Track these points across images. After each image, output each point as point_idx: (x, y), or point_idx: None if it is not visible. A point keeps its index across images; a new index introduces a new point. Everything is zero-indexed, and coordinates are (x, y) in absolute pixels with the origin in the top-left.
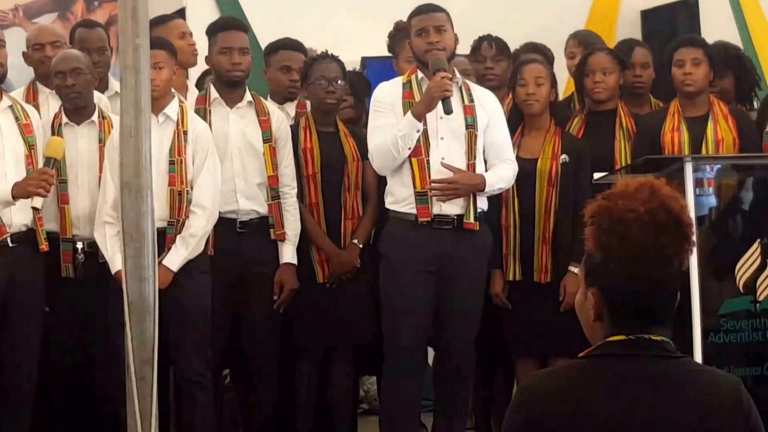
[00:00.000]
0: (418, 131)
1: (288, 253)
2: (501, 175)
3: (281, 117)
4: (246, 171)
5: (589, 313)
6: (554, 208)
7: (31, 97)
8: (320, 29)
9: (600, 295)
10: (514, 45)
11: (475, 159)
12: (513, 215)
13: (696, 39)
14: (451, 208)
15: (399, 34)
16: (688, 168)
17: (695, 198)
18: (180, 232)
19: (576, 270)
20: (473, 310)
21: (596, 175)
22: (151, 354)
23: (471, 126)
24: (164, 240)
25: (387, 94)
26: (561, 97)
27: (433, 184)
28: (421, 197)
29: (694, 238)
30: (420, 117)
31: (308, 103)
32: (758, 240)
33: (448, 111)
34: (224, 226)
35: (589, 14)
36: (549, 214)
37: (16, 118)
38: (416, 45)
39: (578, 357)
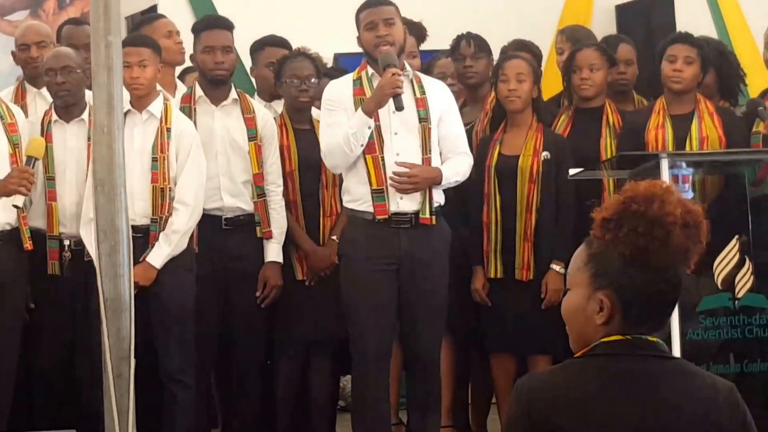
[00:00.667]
0: (369, 128)
1: (273, 251)
2: (457, 168)
3: (267, 115)
4: (231, 168)
5: (590, 315)
6: (536, 205)
7: (20, 96)
8: (292, 25)
9: (615, 297)
10: (489, 42)
11: (430, 153)
12: (494, 212)
13: (692, 37)
14: (409, 204)
15: None
16: (664, 165)
17: None
18: (163, 229)
19: (558, 268)
20: (438, 307)
21: (572, 171)
22: (128, 351)
23: (424, 119)
24: (148, 237)
25: (337, 92)
26: (551, 95)
27: (392, 178)
28: (378, 194)
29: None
30: (371, 114)
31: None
32: (736, 236)
33: (399, 108)
34: (209, 223)
35: (563, 9)
36: (530, 211)
37: (1, 117)
38: (365, 39)
39: (575, 357)
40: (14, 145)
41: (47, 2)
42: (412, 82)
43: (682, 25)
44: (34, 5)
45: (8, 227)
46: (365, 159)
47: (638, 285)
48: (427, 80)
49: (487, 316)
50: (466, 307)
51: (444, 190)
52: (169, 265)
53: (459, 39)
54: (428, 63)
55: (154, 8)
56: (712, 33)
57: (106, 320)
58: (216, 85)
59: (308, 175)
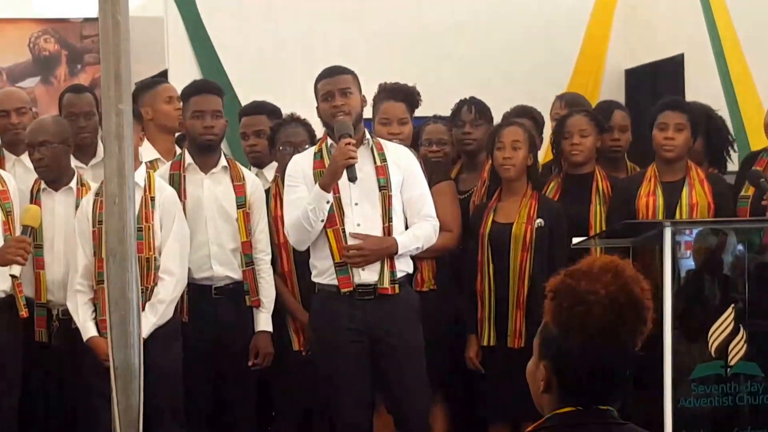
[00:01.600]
0: (328, 202)
1: (262, 321)
2: (416, 233)
3: (256, 182)
4: (220, 236)
5: (539, 383)
6: (528, 272)
7: None
8: (303, 90)
9: (551, 367)
10: (497, 106)
11: (391, 221)
12: (488, 280)
13: (681, 103)
14: (371, 275)
15: (379, 95)
16: (667, 233)
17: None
18: (149, 299)
19: None
20: (415, 372)
21: (575, 240)
22: (136, 419)
23: (384, 187)
24: None
25: (298, 167)
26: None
27: (345, 253)
28: (341, 268)
29: (650, 322)
30: (327, 187)
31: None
32: (732, 305)
33: (352, 179)
34: (199, 292)
35: (573, 73)
36: (523, 279)
37: None
38: (322, 110)
39: (528, 430)
40: (7, 212)
41: (58, 69)
42: (372, 149)
43: (690, 87)
44: (45, 72)
45: (2, 294)
46: (326, 233)
47: (569, 358)
48: (388, 146)
49: (482, 385)
50: (460, 374)
51: (439, 259)
52: (155, 334)
53: (461, 104)
54: (418, 128)
55: (164, 73)
56: (720, 95)
57: (116, 389)
58: (205, 152)
59: None
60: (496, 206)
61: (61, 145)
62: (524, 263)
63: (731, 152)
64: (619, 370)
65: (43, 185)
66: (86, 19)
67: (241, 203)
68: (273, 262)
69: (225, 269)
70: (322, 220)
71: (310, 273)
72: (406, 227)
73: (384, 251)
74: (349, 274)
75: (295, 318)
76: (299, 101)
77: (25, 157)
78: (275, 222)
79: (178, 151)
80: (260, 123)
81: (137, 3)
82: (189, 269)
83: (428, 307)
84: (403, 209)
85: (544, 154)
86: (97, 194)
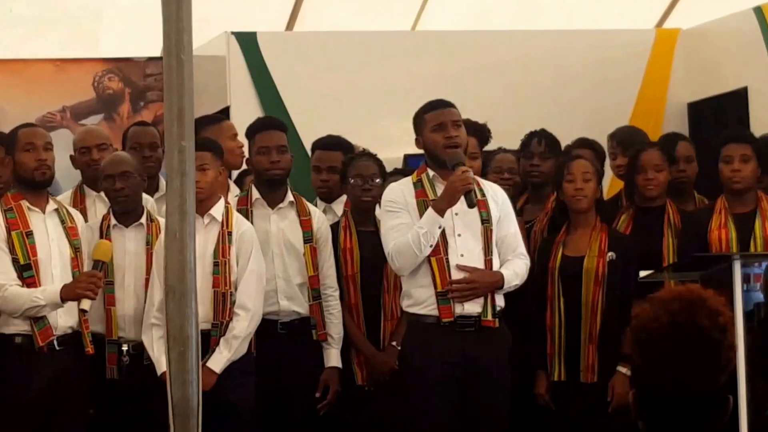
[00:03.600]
0: (440, 227)
1: (333, 357)
2: (516, 270)
3: (322, 218)
4: (287, 271)
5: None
6: (601, 307)
7: (78, 200)
8: (362, 127)
9: (636, 397)
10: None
11: (491, 254)
12: (558, 315)
13: (745, 134)
14: (472, 307)
15: None
16: (737, 266)
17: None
18: (224, 334)
19: (624, 370)
20: (499, 411)
21: (642, 273)
22: None
23: (486, 221)
24: (209, 342)
25: (400, 194)
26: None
27: (453, 286)
28: (443, 297)
29: (724, 357)
30: (442, 212)
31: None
32: None
33: (471, 204)
34: (265, 327)
35: (634, 107)
36: (596, 313)
37: (62, 221)
38: (432, 140)
39: None
40: (75, 249)
41: (121, 106)
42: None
43: (755, 119)
44: (109, 110)
45: (70, 331)
46: (430, 261)
47: (645, 386)
48: (485, 183)
49: (552, 421)
50: (527, 410)
51: None
52: (229, 369)
53: (531, 136)
54: (486, 156)
55: (225, 110)
56: None
57: (173, 426)
58: (272, 187)
59: (370, 278)
60: (564, 239)
61: (139, 177)
62: (597, 297)
63: None
64: (694, 403)
65: (113, 221)
66: (150, 59)
67: (308, 238)
68: (340, 296)
69: (291, 304)
70: (431, 246)
71: (378, 306)
72: None
73: (492, 285)
74: (450, 304)
75: (359, 351)
76: (359, 138)
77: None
78: (344, 254)
79: (232, 187)
80: (335, 159)
81: (200, 42)
82: None
83: None
84: (497, 245)
85: (607, 188)
86: None
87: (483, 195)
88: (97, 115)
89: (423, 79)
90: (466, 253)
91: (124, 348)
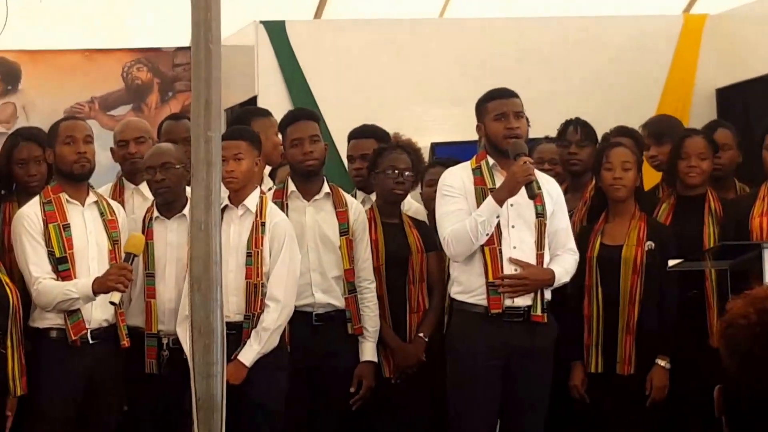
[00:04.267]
0: (498, 217)
1: (369, 351)
2: (566, 267)
3: (359, 209)
4: (322, 264)
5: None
6: (639, 296)
7: (117, 193)
8: (391, 116)
9: (723, 392)
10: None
11: (543, 249)
12: (596, 304)
13: None
14: (521, 299)
15: None
16: (767, 254)
17: None
18: (254, 326)
19: (663, 363)
20: (539, 404)
21: (671, 262)
22: None
23: (541, 214)
24: (241, 334)
25: (458, 179)
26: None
27: (504, 281)
28: (494, 288)
29: None
30: (502, 202)
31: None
32: None
33: (532, 195)
34: (300, 319)
35: (662, 94)
36: (633, 303)
37: (101, 214)
38: (493, 129)
39: None
40: (114, 241)
41: (150, 97)
42: None
43: None
44: (137, 100)
45: (105, 324)
46: (483, 251)
47: (731, 382)
48: (541, 176)
49: (587, 414)
50: (561, 403)
51: None
52: (260, 362)
53: (567, 124)
54: (529, 147)
55: (253, 100)
56: None
57: (197, 420)
58: (308, 178)
59: (395, 270)
60: (603, 228)
61: (182, 167)
62: (635, 287)
63: None
64: None
65: (155, 213)
66: (178, 48)
67: (344, 230)
68: None
69: (326, 297)
70: (488, 234)
71: (404, 298)
72: None
73: (542, 283)
74: (500, 295)
75: (386, 344)
76: (386, 124)
77: (143, 187)
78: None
79: (266, 180)
80: (368, 146)
81: (228, 31)
82: None
83: None
84: (548, 238)
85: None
86: None
87: (539, 188)
88: (125, 106)
89: (451, 67)
90: (518, 245)
91: (164, 341)
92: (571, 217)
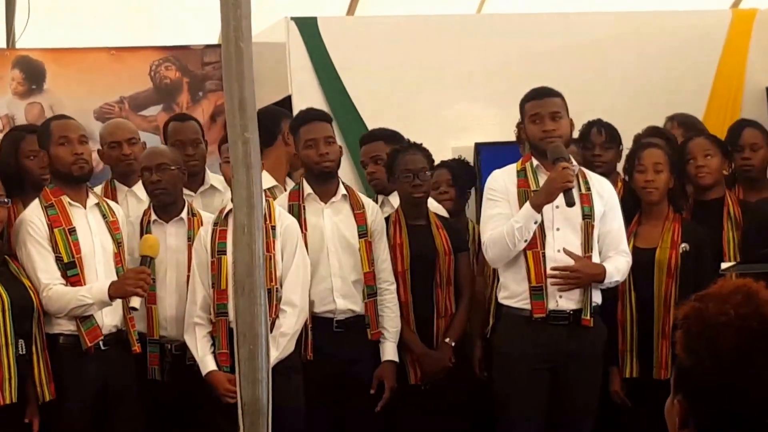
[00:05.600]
0: (535, 222)
1: (389, 351)
2: (618, 266)
3: (376, 210)
4: (342, 269)
5: (674, 420)
6: (674, 300)
7: (110, 195)
8: (433, 115)
9: (686, 403)
10: (632, 128)
11: (591, 251)
12: (630, 309)
13: None
14: (567, 303)
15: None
16: None
17: None
18: (271, 332)
19: None
20: (588, 410)
21: (724, 265)
22: None
23: (588, 216)
24: None
25: (501, 183)
26: None
27: (552, 272)
28: (537, 292)
29: None
30: (539, 208)
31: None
32: None
33: (570, 203)
34: (321, 325)
35: (711, 92)
36: (669, 306)
37: (104, 216)
38: (531, 131)
39: None
40: (118, 243)
41: (180, 96)
42: (577, 177)
43: None
44: (168, 100)
45: (114, 329)
46: (525, 255)
47: (705, 390)
48: (592, 176)
49: (630, 419)
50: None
51: None
52: (277, 367)
53: (590, 125)
54: None
55: (287, 99)
56: None
57: (243, 426)
58: (323, 180)
59: (421, 273)
60: (635, 230)
61: (177, 169)
62: (669, 290)
63: None
64: (756, 402)
65: (153, 217)
66: (207, 46)
67: (363, 232)
68: None
69: (347, 302)
70: (526, 240)
71: (431, 301)
72: None
73: (593, 278)
74: (544, 299)
75: (411, 350)
76: (425, 124)
77: (137, 188)
78: (394, 250)
79: (288, 181)
80: (377, 149)
81: (259, 29)
82: (312, 302)
83: None
84: (598, 240)
85: None
86: (215, 224)
87: (588, 188)
88: (155, 106)
89: (491, 65)
90: (563, 248)
91: (168, 348)
92: None
